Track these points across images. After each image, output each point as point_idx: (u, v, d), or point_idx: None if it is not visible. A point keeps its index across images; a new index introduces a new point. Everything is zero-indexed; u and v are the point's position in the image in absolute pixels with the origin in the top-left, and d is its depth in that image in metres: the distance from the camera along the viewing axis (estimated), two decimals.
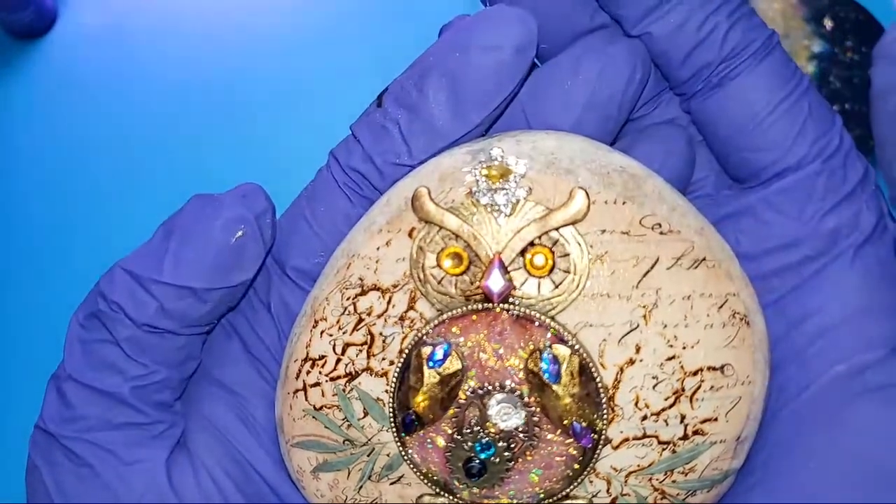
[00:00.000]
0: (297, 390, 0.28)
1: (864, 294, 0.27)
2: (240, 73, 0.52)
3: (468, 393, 0.26)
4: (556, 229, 0.25)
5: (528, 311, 0.25)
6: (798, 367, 0.27)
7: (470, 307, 0.26)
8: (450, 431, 0.27)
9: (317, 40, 0.51)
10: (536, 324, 0.26)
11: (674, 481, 0.27)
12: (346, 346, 0.27)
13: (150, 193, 0.47)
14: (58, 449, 0.28)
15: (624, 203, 0.26)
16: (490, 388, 0.26)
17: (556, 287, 0.25)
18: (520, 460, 0.26)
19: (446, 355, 0.26)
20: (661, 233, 0.26)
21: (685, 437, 0.26)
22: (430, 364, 0.26)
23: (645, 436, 0.26)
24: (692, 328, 0.26)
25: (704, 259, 0.26)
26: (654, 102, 0.30)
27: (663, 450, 0.26)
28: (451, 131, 0.27)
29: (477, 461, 0.26)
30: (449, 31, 0.27)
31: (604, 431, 0.26)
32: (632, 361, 0.26)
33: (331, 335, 0.27)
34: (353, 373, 0.27)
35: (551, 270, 0.25)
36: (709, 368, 0.26)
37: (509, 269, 0.25)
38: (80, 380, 0.28)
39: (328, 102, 0.47)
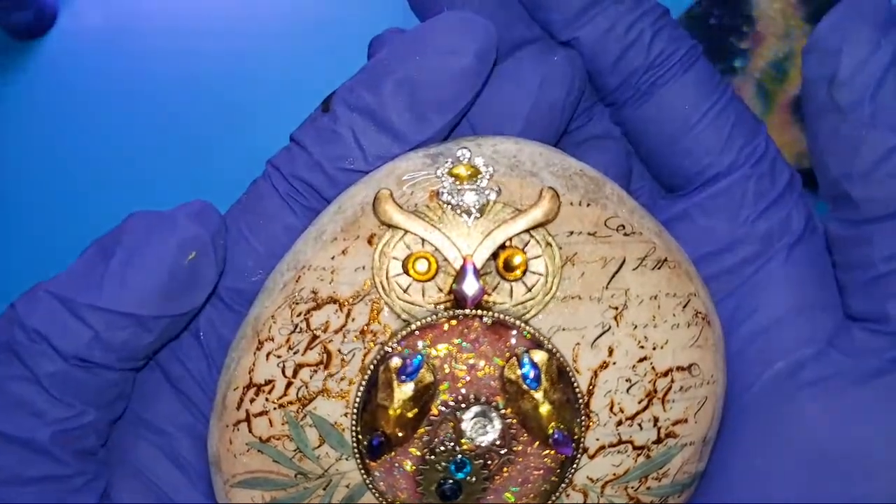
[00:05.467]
0: (238, 422, 0.25)
1: (799, 293, 0.28)
2: (240, 73, 0.52)
3: (441, 408, 0.24)
4: (528, 231, 0.25)
5: (502, 316, 0.24)
6: (740, 367, 0.28)
7: (440, 315, 0.24)
8: (419, 453, 0.25)
9: (319, 42, 0.52)
10: (511, 329, 0.24)
11: (648, 488, 0.26)
12: (299, 367, 0.25)
13: (150, 193, 0.46)
14: None
15: (588, 205, 0.25)
16: (464, 400, 0.24)
17: (529, 290, 0.25)
18: (496, 478, 0.25)
19: (418, 368, 0.24)
20: (626, 234, 0.26)
21: (658, 441, 0.26)
22: (402, 378, 0.24)
23: (620, 442, 0.25)
24: (661, 328, 0.25)
25: (666, 260, 0.26)
26: (587, 116, 0.30)
27: (638, 455, 0.26)
28: (410, 135, 0.25)
29: (451, 482, 0.24)
30: (403, 37, 0.26)
31: (582, 439, 0.25)
32: (605, 365, 0.25)
33: (279, 356, 0.25)
34: (307, 397, 0.25)
35: (524, 274, 0.25)
36: (678, 368, 0.26)
37: (481, 272, 0.24)
38: None
39: None
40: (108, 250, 0.24)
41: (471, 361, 0.24)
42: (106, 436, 0.26)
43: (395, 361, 0.24)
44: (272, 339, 0.25)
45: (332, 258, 0.25)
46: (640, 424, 0.25)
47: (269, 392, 0.25)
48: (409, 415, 0.24)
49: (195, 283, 0.24)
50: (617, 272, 0.25)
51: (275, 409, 0.25)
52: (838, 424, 0.26)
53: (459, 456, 0.24)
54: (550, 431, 0.24)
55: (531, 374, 0.24)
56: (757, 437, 0.27)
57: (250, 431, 0.25)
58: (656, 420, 0.25)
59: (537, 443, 0.25)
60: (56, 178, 0.52)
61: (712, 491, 0.28)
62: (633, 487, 0.26)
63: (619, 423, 0.25)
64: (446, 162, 0.25)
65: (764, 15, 0.50)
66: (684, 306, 0.26)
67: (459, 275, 0.24)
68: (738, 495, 0.27)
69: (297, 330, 0.25)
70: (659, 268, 0.26)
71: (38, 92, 0.52)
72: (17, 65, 0.52)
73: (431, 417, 0.24)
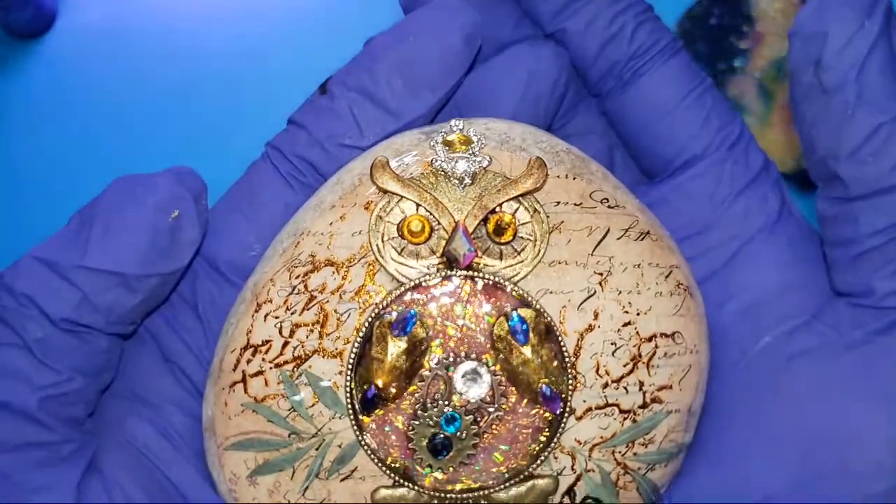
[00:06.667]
0: (234, 383, 0.26)
1: (781, 271, 0.28)
2: (240, 72, 0.52)
3: (433, 364, 0.25)
4: (517, 197, 0.26)
5: (492, 277, 0.25)
6: (727, 346, 0.28)
7: (433, 276, 0.25)
8: (411, 410, 0.25)
9: (320, 40, 0.52)
10: (501, 290, 0.25)
11: (635, 454, 0.26)
12: (296, 327, 0.26)
13: None
14: None
15: (574, 178, 0.27)
16: (455, 357, 0.25)
17: (518, 254, 0.26)
18: (486, 435, 0.25)
19: (412, 323, 0.25)
20: (609, 206, 0.27)
21: (644, 406, 0.26)
22: (396, 332, 0.25)
23: (607, 404, 0.26)
24: (644, 295, 0.27)
25: (648, 232, 0.27)
26: (572, 113, 0.32)
27: (625, 419, 0.26)
28: (404, 111, 0.27)
29: (442, 436, 0.25)
30: (396, 24, 0.28)
31: (569, 399, 0.25)
32: (591, 328, 0.26)
33: (277, 317, 0.26)
34: (303, 356, 0.25)
35: (513, 238, 0.26)
36: (662, 335, 0.27)
37: (472, 236, 0.25)
38: None
39: None
40: (92, 215, 0.25)
41: (462, 320, 0.25)
42: (93, 406, 0.26)
43: (390, 316, 0.25)
44: (270, 301, 0.26)
45: (331, 224, 0.26)
46: (625, 388, 0.26)
47: (266, 352, 0.26)
48: (402, 368, 0.25)
49: (178, 242, 0.25)
50: (602, 240, 0.26)
51: (270, 368, 0.25)
52: (823, 395, 0.27)
53: (450, 411, 0.25)
54: (538, 387, 0.25)
55: (519, 329, 0.25)
56: (746, 411, 0.28)
57: (246, 392, 0.26)
58: (641, 384, 0.26)
59: (525, 401, 0.25)
60: (56, 178, 0.52)
61: (704, 466, 0.28)
62: (620, 452, 0.26)
63: (606, 385, 0.26)
64: (442, 132, 0.26)
65: (764, 15, 0.50)
66: (667, 276, 0.27)
67: (451, 237, 0.25)
68: (729, 468, 0.27)
69: (295, 291, 0.26)
70: (642, 239, 0.27)
71: (37, 92, 0.53)
72: (17, 65, 0.52)
73: (423, 373, 0.25)
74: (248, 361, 0.26)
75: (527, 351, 0.25)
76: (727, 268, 0.29)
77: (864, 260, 0.26)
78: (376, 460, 0.25)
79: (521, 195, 0.26)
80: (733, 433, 0.28)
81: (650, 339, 0.26)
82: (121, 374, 0.27)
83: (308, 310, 0.25)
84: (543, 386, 0.25)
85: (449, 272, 0.25)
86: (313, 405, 0.25)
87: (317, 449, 0.25)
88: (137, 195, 0.25)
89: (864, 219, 0.26)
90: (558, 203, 0.26)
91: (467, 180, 0.26)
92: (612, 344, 0.26)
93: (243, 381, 0.26)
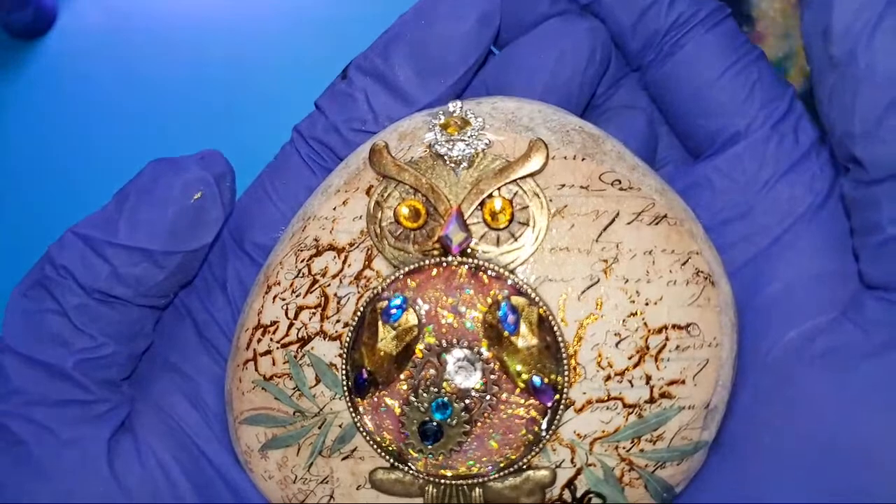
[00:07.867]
0: (247, 361, 0.27)
1: (817, 260, 0.26)
2: (240, 72, 0.53)
3: (425, 350, 0.25)
4: (516, 181, 0.25)
5: (487, 264, 0.25)
6: (755, 335, 0.26)
7: (427, 261, 0.25)
8: (405, 395, 0.25)
9: (323, 38, 0.52)
10: (495, 277, 0.25)
11: (641, 450, 0.25)
12: (300, 309, 0.26)
13: None
14: None
15: (583, 159, 0.25)
16: (447, 344, 0.25)
17: (516, 240, 0.25)
18: (478, 424, 0.25)
19: (402, 309, 0.25)
20: (622, 189, 0.25)
21: (652, 400, 0.25)
22: (386, 318, 0.25)
23: (609, 398, 0.25)
24: (655, 284, 0.25)
25: (666, 216, 0.25)
26: (615, 88, 0.30)
27: (629, 413, 0.25)
28: (416, 98, 0.27)
29: (432, 423, 0.25)
30: (414, 6, 0.28)
31: (566, 391, 0.25)
32: (593, 317, 0.25)
33: (283, 299, 0.26)
34: (306, 337, 0.26)
35: (510, 223, 0.25)
36: (674, 327, 0.25)
37: (468, 221, 0.25)
38: (19, 351, 0.27)
39: None
40: (125, 194, 0.27)
41: (455, 307, 0.25)
42: (128, 370, 0.28)
43: (381, 303, 0.25)
44: (279, 284, 0.26)
45: (334, 209, 0.26)
46: (630, 381, 0.25)
47: (274, 332, 0.26)
48: (393, 354, 0.25)
49: (201, 221, 0.26)
50: (609, 225, 0.25)
51: (277, 348, 0.26)
52: (843, 402, 0.25)
53: (442, 398, 0.25)
54: (528, 377, 0.24)
55: (509, 319, 0.24)
56: (764, 411, 0.26)
57: (256, 370, 0.27)
58: (649, 378, 0.25)
59: (518, 390, 0.25)
60: (56, 179, 0.52)
61: (723, 464, 0.26)
62: (624, 448, 0.25)
63: (608, 377, 0.25)
64: (440, 114, 0.26)
65: (764, 15, 0.48)
66: (683, 264, 0.25)
67: (445, 222, 0.25)
68: (740, 467, 0.26)
69: (300, 274, 0.26)
70: (657, 223, 0.25)
71: (38, 92, 0.53)
72: (17, 65, 0.53)
73: (416, 359, 0.25)
74: (259, 341, 0.27)
75: (517, 340, 0.24)
76: (766, 253, 0.27)
77: (888, 249, 0.23)
78: (372, 442, 0.26)
79: (520, 178, 0.25)
80: (749, 433, 0.26)
81: (660, 331, 0.25)
82: (160, 345, 0.29)
83: (311, 293, 0.26)
84: (534, 376, 0.24)
85: (443, 258, 0.25)
86: (316, 385, 0.26)
87: (319, 428, 0.26)
88: (164, 177, 0.27)
89: (886, 204, 0.23)
90: (562, 186, 0.25)
91: (464, 164, 0.25)
92: (615, 335, 0.25)
93: (254, 359, 0.27)
